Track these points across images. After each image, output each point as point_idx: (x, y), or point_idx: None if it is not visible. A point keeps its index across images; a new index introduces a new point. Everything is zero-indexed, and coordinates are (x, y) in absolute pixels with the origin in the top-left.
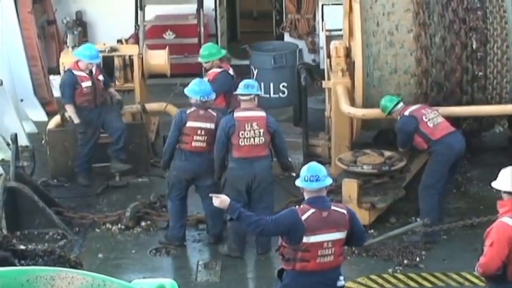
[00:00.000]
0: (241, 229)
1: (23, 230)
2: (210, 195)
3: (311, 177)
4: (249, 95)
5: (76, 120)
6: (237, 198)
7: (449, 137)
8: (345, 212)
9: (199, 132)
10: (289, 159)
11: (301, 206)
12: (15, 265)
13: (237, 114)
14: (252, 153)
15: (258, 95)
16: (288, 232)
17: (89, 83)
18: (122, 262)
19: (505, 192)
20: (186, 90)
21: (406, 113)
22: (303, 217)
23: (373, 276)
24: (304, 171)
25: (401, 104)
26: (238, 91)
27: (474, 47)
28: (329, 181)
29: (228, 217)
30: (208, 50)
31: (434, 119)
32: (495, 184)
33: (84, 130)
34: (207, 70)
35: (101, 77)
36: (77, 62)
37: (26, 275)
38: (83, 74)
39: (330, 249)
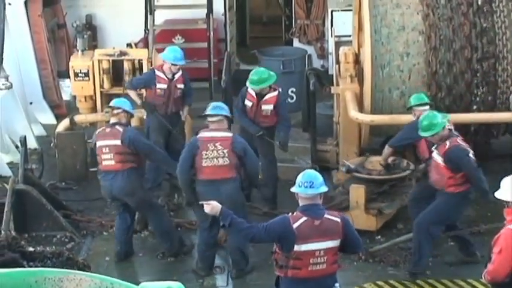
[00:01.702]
0: (210, 254)
1: (30, 232)
2: (200, 202)
3: (305, 183)
4: (216, 115)
5: (138, 102)
6: (208, 220)
7: None
8: (338, 220)
9: (104, 150)
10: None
11: (294, 213)
12: (23, 266)
13: (201, 134)
14: (216, 175)
15: (227, 117)
16: (279, 240)
17: (163, 86)
18: (129, 265)
19: None
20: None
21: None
22: (295, 225)
23: (380, 282)
24: (300, 177)
25: (427, 107)
26: (206, 112)
27: (479, 3)
28: (324, 189)
29: (220, 223)
30: (258, 76)
31: None
32: (499, 194)
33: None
34: (262, 96)
35: (181, 86)
36: (162, 64)
37: (34, 277)
38: (163, 76)
39: (322, 257)
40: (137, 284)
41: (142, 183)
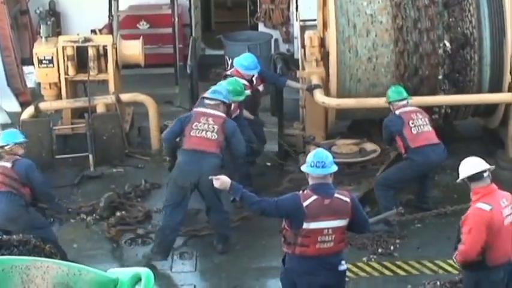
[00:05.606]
0: (171, 237)
1: None
2: (210, 177)
3: (317, 163)
4: (215, 99)
5: (251, 116)
6: (179, 196)
7: (428, 149)
8: (348, 200)
9: None
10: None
11: (305, 191)
12: None
13: (196, 109)
14: (201, 146)
15: (224, 102)
16: (288, 216)
17: (247, 92)
18: (97, 252)
19: (468, 178)
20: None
21: (397, 112)
22: (305, 203)
23: (348, 265)
24: (311, 157)
25: (405, 101)
26: (205, 94)
27: None
28: (334, 168)
29: (231, 197)
30: (233, 86)
31: (420, 127)
32: (459, 179)
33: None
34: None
35: (261, 88)
36: (237, 70)
37: (0, 265)
38: (244, 82)
39: (330, 235)
40: (105, 270)
41: (26, 208)
